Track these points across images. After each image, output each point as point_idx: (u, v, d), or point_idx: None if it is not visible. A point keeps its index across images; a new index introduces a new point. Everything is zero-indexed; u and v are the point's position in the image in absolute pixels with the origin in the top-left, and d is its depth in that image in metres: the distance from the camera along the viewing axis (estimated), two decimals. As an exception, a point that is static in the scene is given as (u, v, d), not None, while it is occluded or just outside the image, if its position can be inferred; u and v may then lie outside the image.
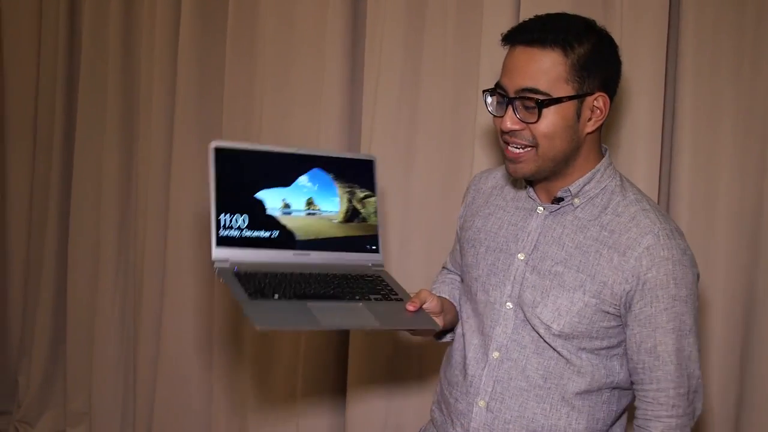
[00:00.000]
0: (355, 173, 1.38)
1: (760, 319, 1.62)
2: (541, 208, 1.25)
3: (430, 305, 1.28)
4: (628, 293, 1.15)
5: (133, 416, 2.48)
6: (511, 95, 1.16)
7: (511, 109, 1.16)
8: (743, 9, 1.58)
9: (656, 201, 1.60)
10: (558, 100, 1.14)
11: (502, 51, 1.71)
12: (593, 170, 1.21)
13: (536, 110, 1.14)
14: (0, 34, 2.62)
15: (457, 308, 1.39)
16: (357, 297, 1.25)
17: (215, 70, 2.25)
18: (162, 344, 2.35)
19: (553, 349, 1.20)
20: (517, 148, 1.19)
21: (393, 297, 1.29)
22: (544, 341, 1.20)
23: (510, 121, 1.17)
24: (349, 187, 1.37)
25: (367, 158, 1.40)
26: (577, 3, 1.66)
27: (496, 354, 1.23)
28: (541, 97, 1.14)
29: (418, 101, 1.90)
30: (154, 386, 2.38)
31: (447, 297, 1.41)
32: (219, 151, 1.25)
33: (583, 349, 1.19)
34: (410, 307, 1.25)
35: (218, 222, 1.24)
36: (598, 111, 1.17)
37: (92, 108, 2.51)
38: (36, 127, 2.68)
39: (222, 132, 2.22)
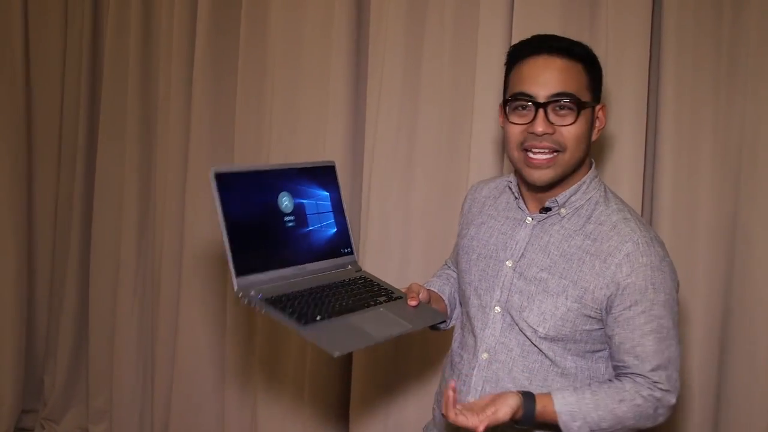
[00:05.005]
0: (322, 179, 1.38)
1: (735, 325, 1.67)
2: (530, 218, 1.28)
3: (421, 297, 1.35)
4: (608, 298, 1.18)
5: (152, 413, 2.53)
6: (542, 100, 1.19)
7: (543, 113, 1.19)
8: (720, 20, 1.64)
9: (640, 212, 1.65)
10: (587, 105, 1.21)
11: (496, 68, 1.79)
12: (580, 182, 1.25)
13: (574, 112, 1.19)
14: (28, 56, 2.67)
15: (446, 302, 1.45)
16: (373, 303, 1.30)
17: (228, 89, 2.31)
18: (178, 346, 2.40)
19: (540, 351, 1.23)
20: (543, 153, 1.21)
21: (393, 296, 1.35)
22: (532, 344, 1.23)
23: (542, 125, 1.19)
24: (318, 193, 1.37)
25: (327, 164, 1.40)
26: (564, 15, 1.73)
27: (485, 355, 1.28)
28: (579, 99, 1.19)
29: (416, 118, 1.96)
30: (171, 385, 2.44)
31: (436, 290, 1.45)
32: (219, 176, 1.22)
33: (569, 350, 1.23)
34: (413, 303, 1.33)
35: (233, 250, 1.20)
36: (598, 121, 1.25)
37: (113, 123, 2.56)
38: (61, 141, 2.73)
39: (234, 155, 2.27)
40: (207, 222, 2.35)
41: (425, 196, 1.97)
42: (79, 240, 2.69)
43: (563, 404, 1.18)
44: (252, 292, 1.21)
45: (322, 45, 2.10)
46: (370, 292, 1.34)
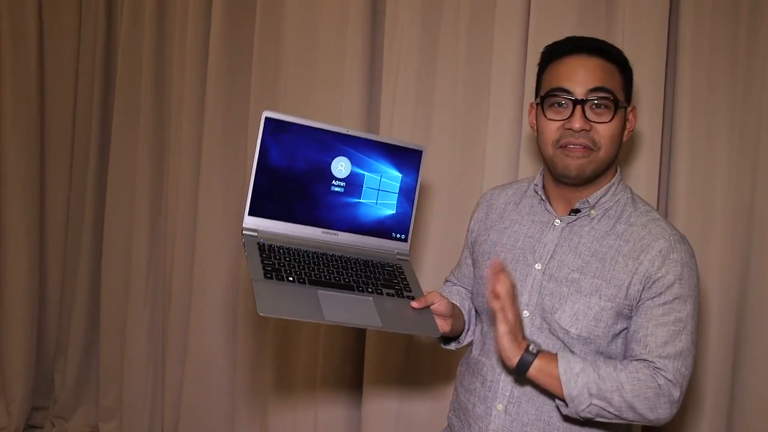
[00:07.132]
0: (403, 160, 1.34)
1: (751, 319, 1.68)
2: (558, 221, 1.28)
3: (439, 307, 1.29)
4: (640, 292, 1.20)
5: (162, 411, 2.55)
6: (580, 97, 1.19)
7: (581, 109, 1.19)
8: (737, 21, 1.65)
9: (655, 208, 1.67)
10: (622, 104, 1.21)
11: (511, 65, 1.80)
12: (609, 184, 1.27)
13: (612, 110, 1.19)
14: (42, 55, 2.70)
15: (465, 318, 1.42)
16: (369, 290, 1.24)
17: (242, 89, 2.32)
18: (189, 344, 2.41)
19: (572, 353, 1.21)
20: (578, 149, 1.21)
21: (406, 294, 1.28)
22: (564, 345, 1.23)
23: (580, 121, 1.18)
24: (388, 171, 1.34)
25: (417, 148, 1.36)
26: (580, 21, 1.74)
27: None
28: (616, 97, 1.20)
29: (431, 121, 1.97)
30: (181, 383, 2.45)
31: (457, 305, 1.42)
32: (269, 121, 1.21)
33: (601, 353, 1.22)
34: (414, 305, 1.27)
35: (255, 189, 1.19)
36: (629, 123, 1.26)
37: (126, 122, 2.59)
38: (74, 141, 2.76)
39: (247, 155, 2.27)
40: (219, 222, 2.37)
41: (439, 199, 1.98)
42: (91, 239, 2.73)
43: (564, 358, 1.17)
44: (255, 234, 1.19)
45: (336, 46, 2.12)
46: (380, 280, 1.28)
